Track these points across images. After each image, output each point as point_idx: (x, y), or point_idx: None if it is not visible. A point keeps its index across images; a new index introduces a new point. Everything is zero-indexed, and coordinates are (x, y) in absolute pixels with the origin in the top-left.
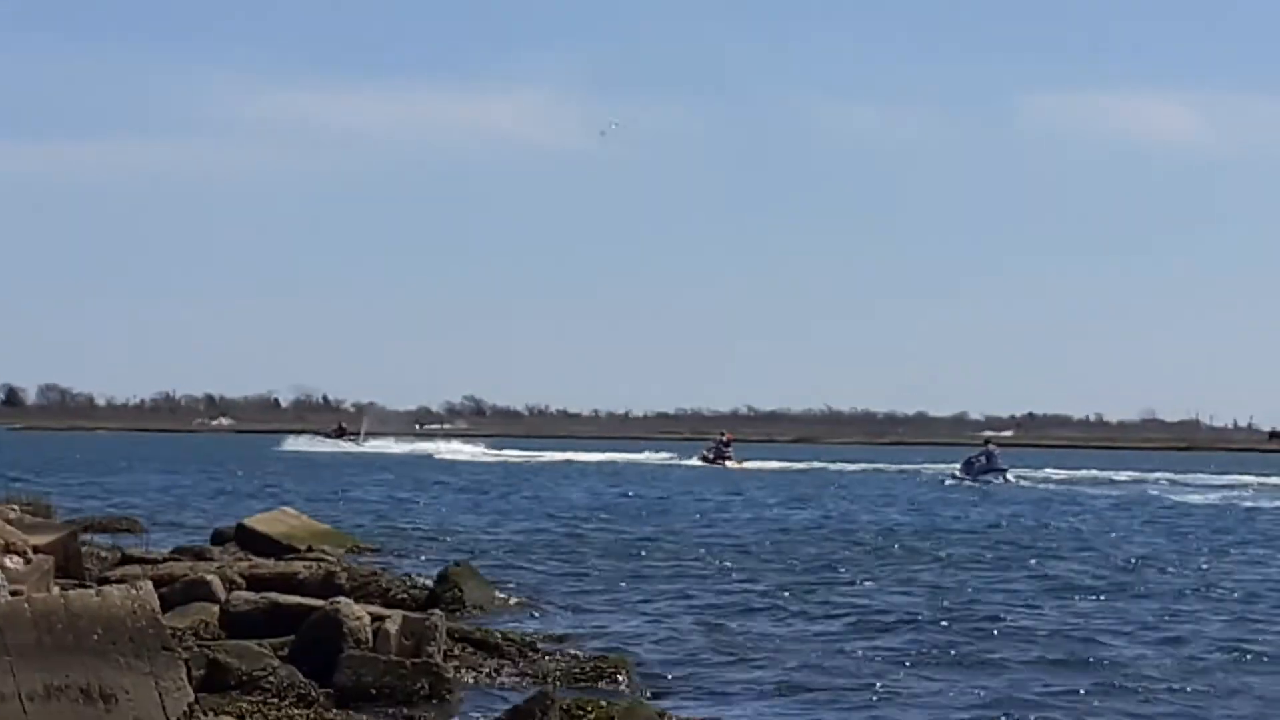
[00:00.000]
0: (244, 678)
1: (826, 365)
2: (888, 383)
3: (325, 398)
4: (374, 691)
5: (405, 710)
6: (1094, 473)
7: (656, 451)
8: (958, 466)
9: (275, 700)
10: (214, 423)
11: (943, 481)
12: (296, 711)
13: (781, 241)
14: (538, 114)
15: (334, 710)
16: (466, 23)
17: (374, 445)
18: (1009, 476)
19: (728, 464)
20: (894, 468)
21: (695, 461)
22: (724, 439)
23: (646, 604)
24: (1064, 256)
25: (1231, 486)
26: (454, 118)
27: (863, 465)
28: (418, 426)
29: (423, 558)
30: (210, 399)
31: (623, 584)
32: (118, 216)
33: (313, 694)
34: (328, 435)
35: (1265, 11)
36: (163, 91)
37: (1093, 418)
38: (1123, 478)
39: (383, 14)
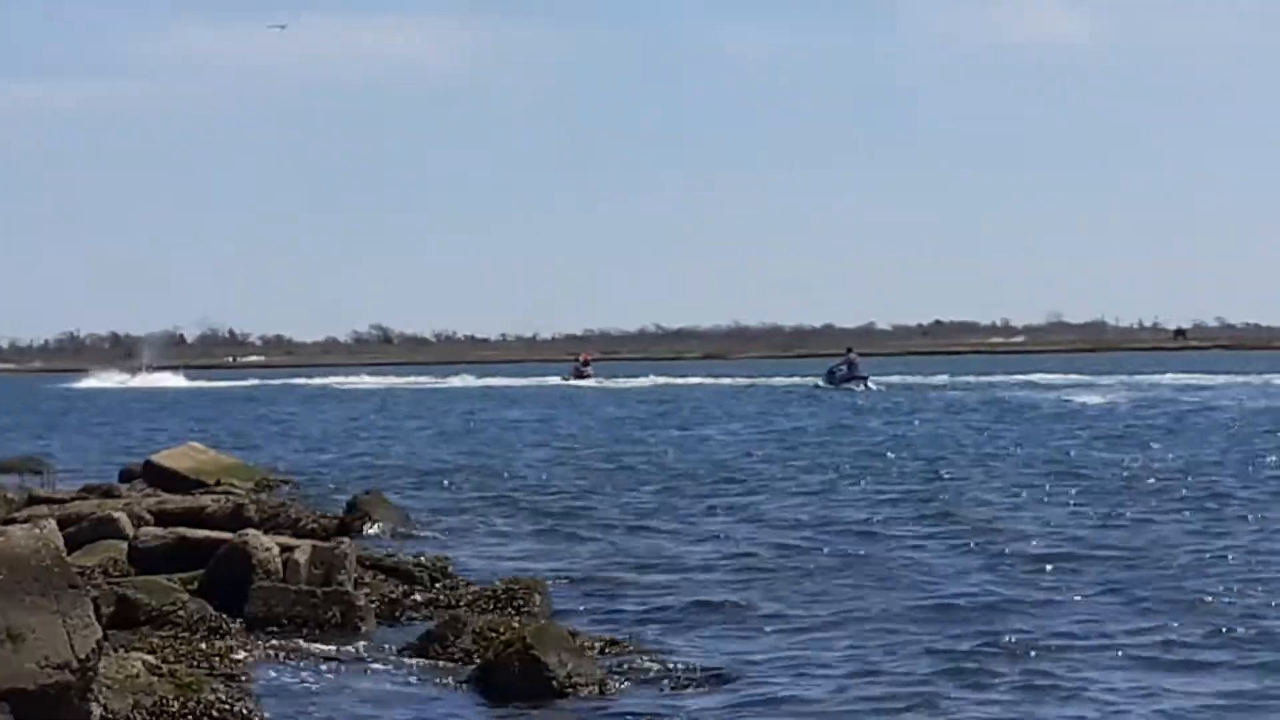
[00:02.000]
0: (154, 613)
1: (734, 281)
2: (795, 296)
3: (231, 332)
4: (285, 621)
5: (318, 638)
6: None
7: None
8: (820, 377)
9: (186, 634)
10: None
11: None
12: (208, 644)
13: (682, 160)
14: (432, 40)
15: (246, 641)
16: None
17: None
18: (870, 384)
19: (587, 382)
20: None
21: (557, 381)
22: (582, 360)
23: (553, 526)
24: (963, 163)
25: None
26: (348, 46)
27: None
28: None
29: (332, 488)
30: (115, 337)
31: (526, 508)
32: (18, 156)
33: (224, 626)
34: (135, 371)
35: None
36: (58, 29)
37: (999, 323)
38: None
39: None
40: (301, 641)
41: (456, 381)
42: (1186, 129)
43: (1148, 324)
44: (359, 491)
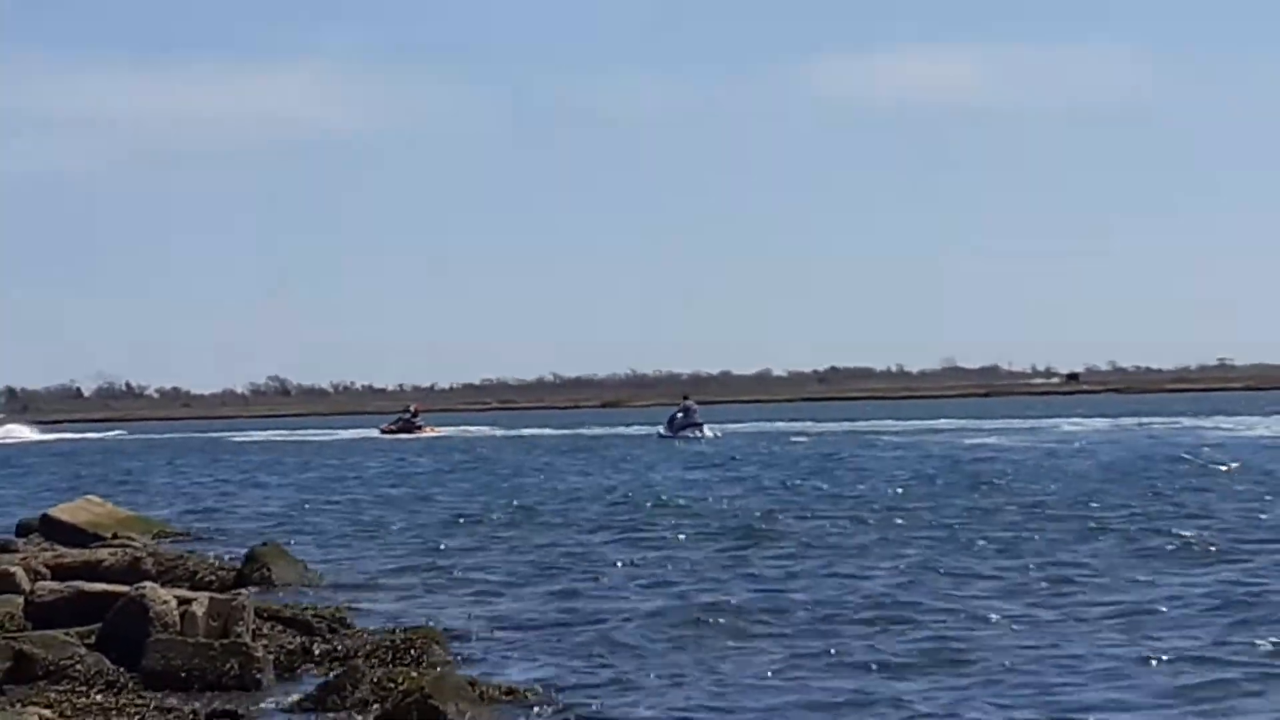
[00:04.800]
0: (51, 667)
1: (632, 330)
2: (692, 344)
3: (128, 384)
4: (183, 674)
5: (216, 691)
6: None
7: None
8: (662, 426)
9: (84, 688)
10: None
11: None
12: (105, 698)
13: (575, 208)
14: (320, 92)
15: (144, 695)
16: (238, 4)
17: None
18: (706, 431)
19: (420, 433)
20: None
21: (374, 434)
22: (411, 411)
23: (451, 576)
24: (855, 210)
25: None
26: (233, 97)
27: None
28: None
29: (231, 540)
30: (11, 391)
31: (422, 559)
32: None
33: (121, 680)
34: None
35: None
36: None
37: (894, 368)
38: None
39: None
40: (199, 694)
41: (348, 434)
42: (1074, 177)
43: (1040, 368)
44: (256, 543)
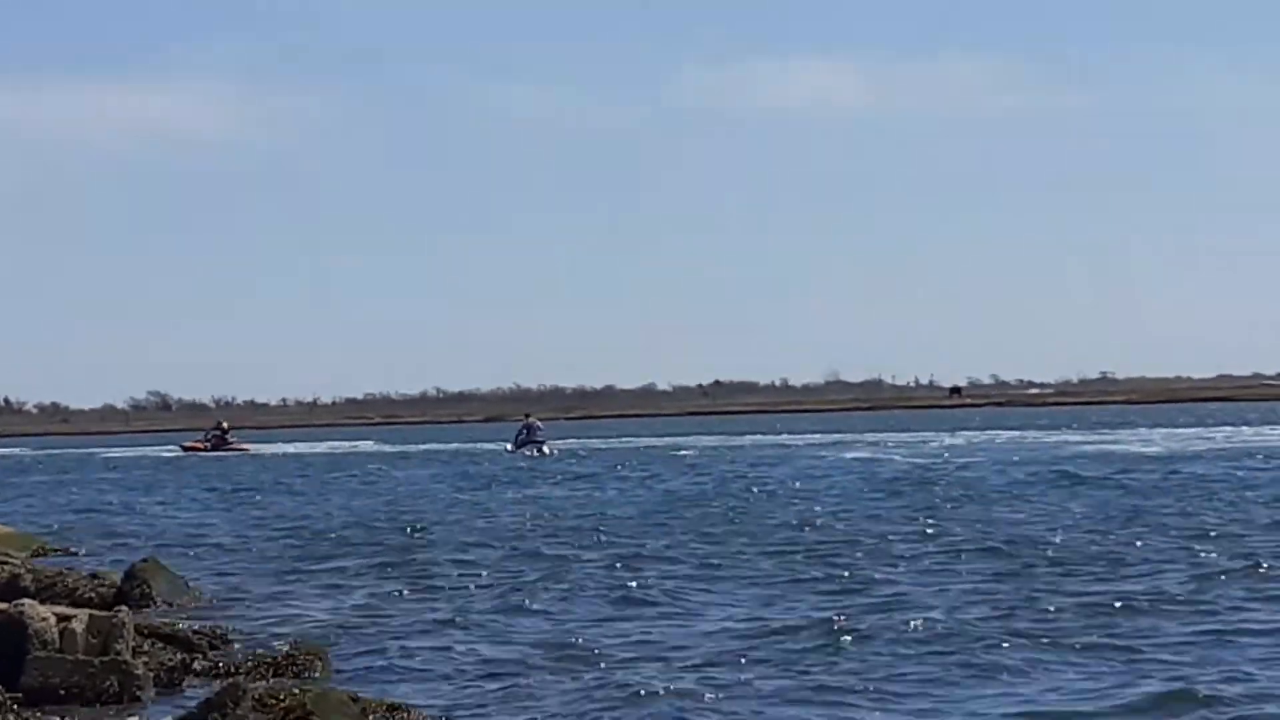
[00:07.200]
0: None
1: (515, 343)
2: (576, 358)
3: (6, 400)
4: (63, 692)
5: (96, 709)
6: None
7: None
8: (509, 444)
9: None
10: None
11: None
12: None
13: (459, 222)
14: (195, 105)
15: (23, 713)
16: (116, 16)
17: None
18: (545, 449)
19: (232, 450)
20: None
21: (178, 452)
22: (223, 427)
23: (333, 590)
24: (736, 224)
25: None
26: (112, 111)
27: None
28: None
29: (110, 557)
30: None
31: (308, 571)
32: None
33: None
34: None
35: None
36: None
37: (778, 382)
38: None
39: (25, 6)
40: (80, 712)
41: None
42: (956, 191)
43: (924, 381)
44: (136, 559)
